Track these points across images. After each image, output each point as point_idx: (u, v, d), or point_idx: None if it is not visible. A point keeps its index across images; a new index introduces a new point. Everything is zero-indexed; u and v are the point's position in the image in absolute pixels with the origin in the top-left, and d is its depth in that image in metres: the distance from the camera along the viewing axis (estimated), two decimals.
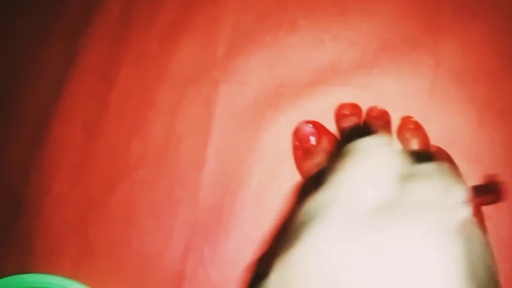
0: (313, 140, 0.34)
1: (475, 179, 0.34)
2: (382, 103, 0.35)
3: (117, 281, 0.36)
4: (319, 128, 0.34)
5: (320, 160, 0.33)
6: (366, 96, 0.35)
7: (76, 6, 0.40)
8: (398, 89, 0.35)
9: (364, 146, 0.25)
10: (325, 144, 0.34)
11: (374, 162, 0.24)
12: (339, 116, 0.35)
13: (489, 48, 0.35)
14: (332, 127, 0.35)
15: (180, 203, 0.37)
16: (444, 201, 0.22)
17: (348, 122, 0.34)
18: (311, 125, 0.35)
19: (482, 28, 0.35)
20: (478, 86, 0.35)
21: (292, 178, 0.35)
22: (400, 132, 0.34)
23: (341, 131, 0.34)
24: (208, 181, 0.37)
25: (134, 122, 0.38)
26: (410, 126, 0.34)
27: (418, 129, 0.34)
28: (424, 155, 0.32)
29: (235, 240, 0.35)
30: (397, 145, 0.33)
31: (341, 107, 0.35)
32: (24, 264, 0.36)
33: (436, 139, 0.34)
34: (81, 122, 0.39)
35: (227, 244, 0.35)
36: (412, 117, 0.34)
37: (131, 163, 0.38)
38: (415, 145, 0.33)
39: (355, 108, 0.34)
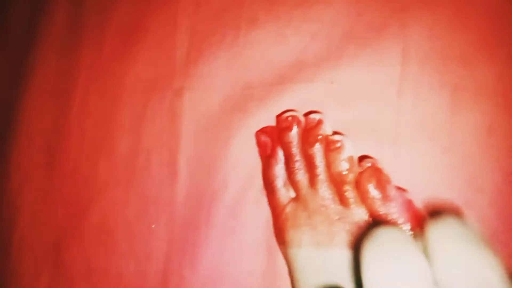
0: (268, 149, 0.33)
1: (449, 170, 0.33)
2: (351, 97, 0.34)
3: None
4: (274, 136, 0.33)
5: (278, 171, 0.32)
6: (335, 90, 0.34)
7: (18, 18, 0.38)
8: (367, 81, 0.34)
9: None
10: (280, 154, 0.32)
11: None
12: (280, 129, 0.32)
13: (457, 29, 0.33)
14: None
15: (155, 220, 0.35)
16: None
17: (289, 138, 0.31)
18: (264, 134, 0.33)
19: (449, 9, 0.34)
20: (448, 70, 0.34)
21: None
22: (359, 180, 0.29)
23: (284, 146, 0.32)
24: (181, 195, 0.35)
25: (98, 140, 0.36)
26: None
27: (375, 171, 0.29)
28: None
29: (214, 254, 0.34)
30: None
31: (279, 120, 0.32)
32: None
33: (408, 130, 0.33)
34: (41, 144, 0.37)
35: (206, 260, 0.34)
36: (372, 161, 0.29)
37: (99, 183, 0.36)
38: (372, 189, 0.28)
39: (294, 120, 0.31)
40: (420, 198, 0.30)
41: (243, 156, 0.34)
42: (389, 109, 0.33)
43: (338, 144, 0.29)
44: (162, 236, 0.35)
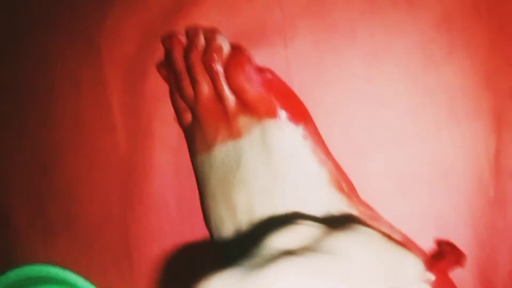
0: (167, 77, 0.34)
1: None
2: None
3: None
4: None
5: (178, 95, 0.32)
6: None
7: None
8: None
9: None
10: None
11: None
12: (166, 54, 0.33)
13: None
14: None
15: (106, 174, 0.38)
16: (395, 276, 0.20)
17: (173, 58, 0.32)
18: (163, 65, 0.34)
19: None
20: None
21: None
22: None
23: (172, 67, 0.32)
24: (122, 144, 0.37)
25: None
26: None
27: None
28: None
29: (159, 188, 0.36)
30: None
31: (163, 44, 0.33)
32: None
33: None
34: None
35: (154, 193, 0.36)
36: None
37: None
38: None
39: (173, 40, 0.32)
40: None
41: (160, 88, 0.35)
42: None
43: (212, 36, 0.29)
44: (115, 185, 0.37)
